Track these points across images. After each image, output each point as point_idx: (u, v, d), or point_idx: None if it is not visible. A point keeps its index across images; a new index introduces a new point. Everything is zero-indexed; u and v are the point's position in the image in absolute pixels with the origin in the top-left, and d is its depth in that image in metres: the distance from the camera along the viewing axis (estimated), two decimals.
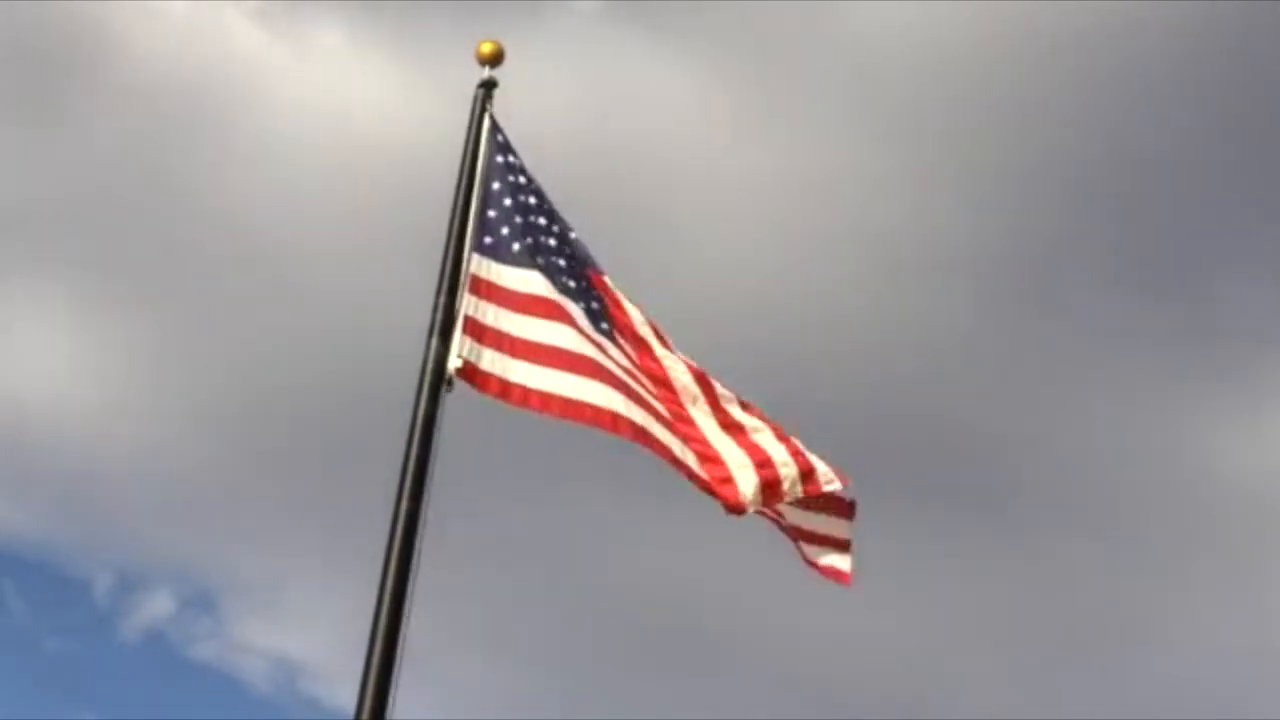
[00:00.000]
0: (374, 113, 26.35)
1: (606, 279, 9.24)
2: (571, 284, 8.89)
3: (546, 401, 8.39)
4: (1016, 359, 29.49)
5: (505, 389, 8.35)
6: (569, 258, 9.01)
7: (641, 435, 8.46)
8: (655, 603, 26.63)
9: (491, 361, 8.37)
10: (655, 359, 9.13)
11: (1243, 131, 29.60)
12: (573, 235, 9.15)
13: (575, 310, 8.78)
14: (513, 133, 9.20)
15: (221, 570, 29.77)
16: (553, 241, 8.99)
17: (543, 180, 9.24)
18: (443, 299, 8.40)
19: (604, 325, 8.96)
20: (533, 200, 9.01)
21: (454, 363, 8.23)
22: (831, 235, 27.61)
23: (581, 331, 8.69)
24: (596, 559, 27.18)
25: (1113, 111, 28.36)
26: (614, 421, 8.40)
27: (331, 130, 26.94)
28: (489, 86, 9.13)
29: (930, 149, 28.21)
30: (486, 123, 9.05)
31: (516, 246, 8.77)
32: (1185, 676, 27.54)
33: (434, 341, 8.25)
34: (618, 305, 9.16)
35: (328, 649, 27.73)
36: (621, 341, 9.00)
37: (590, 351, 8.60)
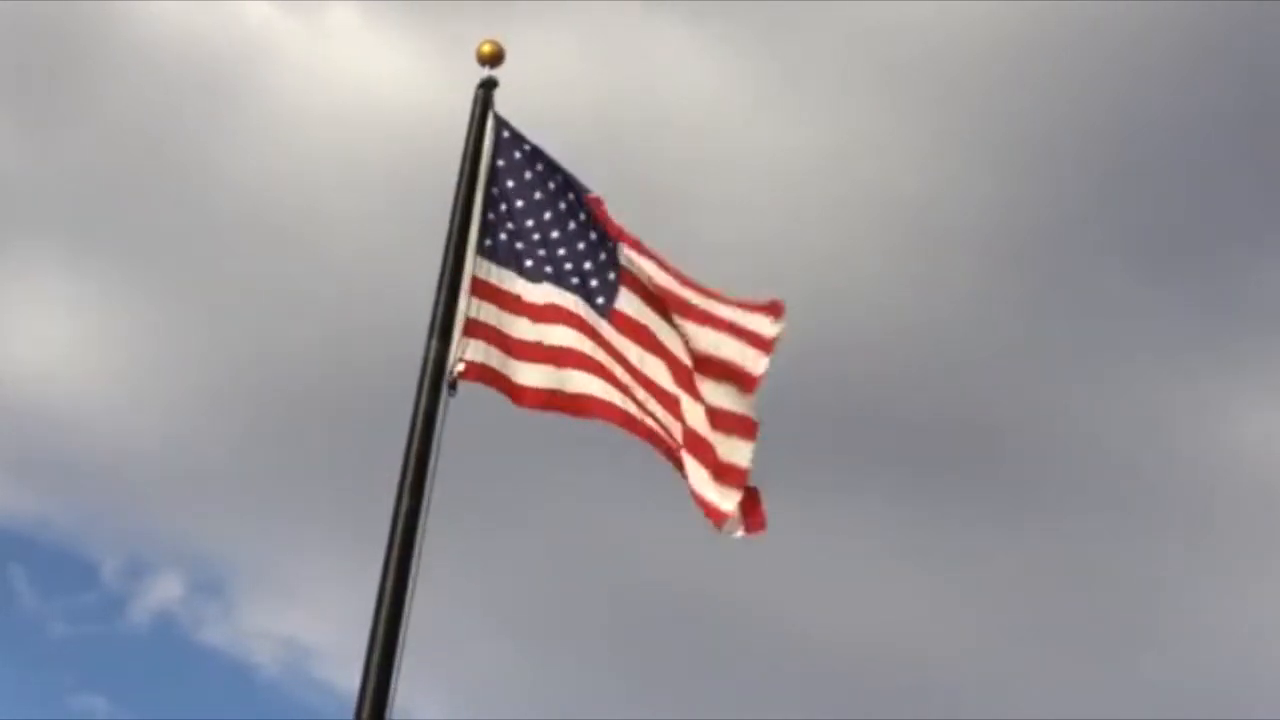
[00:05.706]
0: (387, 91, 26.30)
1: (628, 252, 8.75)
2: (577, 281, 8.83)
3: (553, 399, 8.56)
4: (1031, 341, 29.38)
5: (516, 391, 8.55)
6: (579, 254, 8.87)
7: (646, 432, 8.52)
8: (675, 595, 26.60)
9: (502, 363, 8.56)
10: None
11: (1265, 106, 29.37)
12: (582, 217, 8.86)
13: (582, 308, 8.75)
14: (521, 117, 9.13)
15: (231, 553, 29.80)
16: (554, 234, 8.88)
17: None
18: (443, 298, 8.49)
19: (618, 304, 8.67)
20: (538, 196, 8.91)
21: (456, 366, 8.36)
22: (845, 219, 27.55)
23: (585, 329, 8.71)
24: (617, 549, 27.14)
25: (1136, 87, 28.18)
26: (624, 418, 8.52)
27: (344, 109, 26.92)
28: (489, 87, 9.05)
29: (944, 126, 28.11)
30: (490, 122, 8.99)
31: (519, 245, 8.80)
32: (1198, 669, 27.49)
33: (434, 341, 8.35)
34: (635, 284, 8.72)
35: (339, 633, 27.75)
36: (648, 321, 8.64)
37: (589, 349, 8.65)
